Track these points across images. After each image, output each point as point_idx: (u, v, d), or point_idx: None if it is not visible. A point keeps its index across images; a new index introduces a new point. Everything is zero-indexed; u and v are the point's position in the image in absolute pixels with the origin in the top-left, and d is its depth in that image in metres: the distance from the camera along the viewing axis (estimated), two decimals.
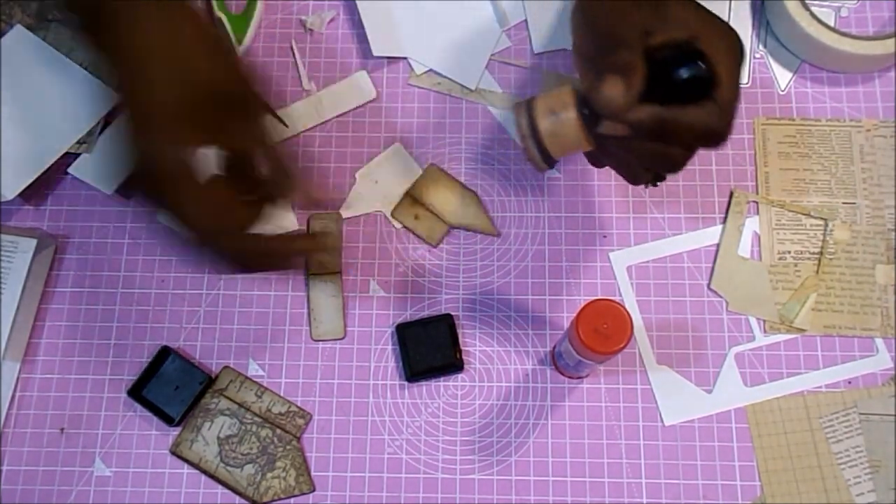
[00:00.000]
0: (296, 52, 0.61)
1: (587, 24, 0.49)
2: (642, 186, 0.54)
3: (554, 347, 0.62)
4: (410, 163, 0.67)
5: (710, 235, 0.64)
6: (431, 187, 0.66)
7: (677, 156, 0.49)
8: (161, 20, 0.48)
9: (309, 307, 0.64)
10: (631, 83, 0.45)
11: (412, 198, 0.66)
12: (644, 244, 0.65)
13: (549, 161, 0.50)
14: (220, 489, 0.60)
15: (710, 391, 0.61)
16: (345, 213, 0.66)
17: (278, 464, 0.60)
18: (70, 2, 0.50)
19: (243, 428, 0.61)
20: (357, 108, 0.68)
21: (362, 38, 0.69)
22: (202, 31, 0.49)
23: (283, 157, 0.50)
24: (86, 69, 0.67)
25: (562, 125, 0.48)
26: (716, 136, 0.48)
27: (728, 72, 0.48)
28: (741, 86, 0.67)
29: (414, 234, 0.65)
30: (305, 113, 0.68)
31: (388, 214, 0.66)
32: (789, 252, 0.64)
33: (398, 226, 0.65)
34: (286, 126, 0.64)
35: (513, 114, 0.49)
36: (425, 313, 0.64)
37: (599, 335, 0.51)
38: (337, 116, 0.68)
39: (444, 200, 0.65)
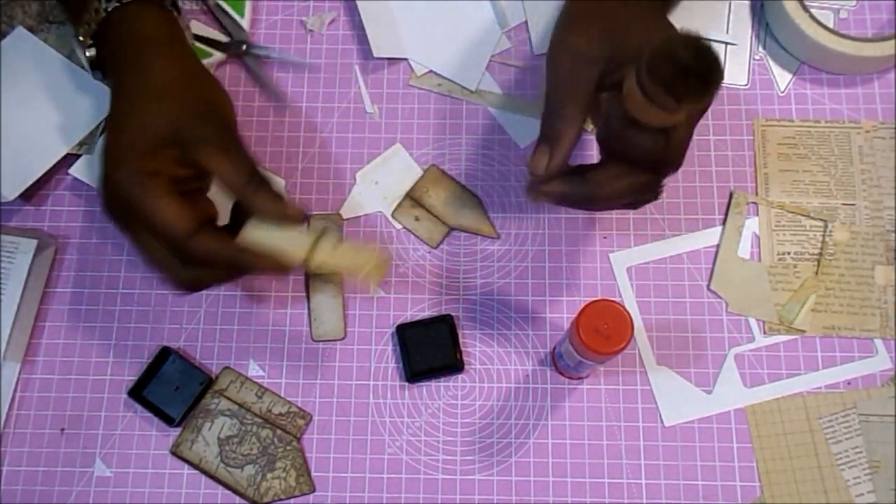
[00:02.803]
0: (359, 75, 0.60)
1: (550, 64, 0.53)
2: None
3: (554, 348, 0.62)
4: (411, 163, 0.67)
5: (709, 236, 0.65)
6: (432, 189, 0.66)
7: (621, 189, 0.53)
8: (140, 66, 0.55)
9: (309, 308, 0.64)
10: (555, 155, 0.51)
11: (412, 199, 0.66)
12: (644, 245, 0.65)
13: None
14: (220, 490, 0.60)
15: (709, 392, 0.61)
16: (345, 214, 0.66)
17: (278, 464, 0.61)
18: (98, 44, 0.57)
19: (243, 428, 0.61)
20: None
21: (363, 40, 0.69)
22: (189, 74, 0.57)
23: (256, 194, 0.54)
24: (86, 71, 0.67)
25: None
26: (659, 165, 0.52)
27: (688, 117, 0.51)
28: (741, 87, 0.68)
29: (414, 235, 0.65)
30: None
31: (389, 215, 0.66)
32: (789, 253, 0.64)
33: (398, 227, 0.66)
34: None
35: None
36: (426, 314, 0.64)
37: (600, 335, 0.51)
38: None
39: (445, 202, 0.65)
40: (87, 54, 0.57)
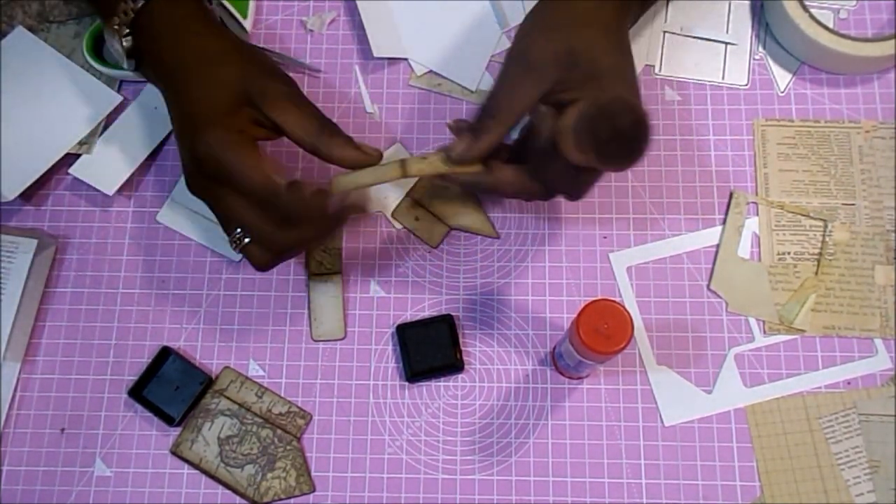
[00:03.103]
0: (359, 75, 0.61)
1: (505, 65, 0.55)
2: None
3: (554, 348, 0.62)
4: None
5: (709, 236, 0.65)
6: (431, 189, 0.66)
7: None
8: (191, 42, 0.56)
9: (309, 307, 0.64)
10: (473, 148, 0.53)
11: (412, 199, 0.66)
12: (644, 245, 0.65)
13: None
14: (220, 489, 0.60)
15: (709, 392, 0.61)
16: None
17: (278, 464, 0.61)
18: (133, 50, 0.58)
19: (244, 428, 0.61)
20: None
21: (362, 39, 0.69)
22: (240, 41, 0.59)
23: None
24: (86, 70, 0.67)
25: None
26: (561, 190, 0.56)
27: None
28: (741, 87, 0.68)
29: (414, 235, 0.65)
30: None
31: (389, 215, 0.66)
32: (789, 253, 0.64)
33: (398, 227, 0.66)
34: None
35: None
36: (426, 314, 0.64)
37: (600, 335, 0.51)
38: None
39: (445, 202, 0.65)
40: (125, 43, 0.57)
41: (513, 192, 0.56)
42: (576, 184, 0.55)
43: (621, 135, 0.48)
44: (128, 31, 0.56)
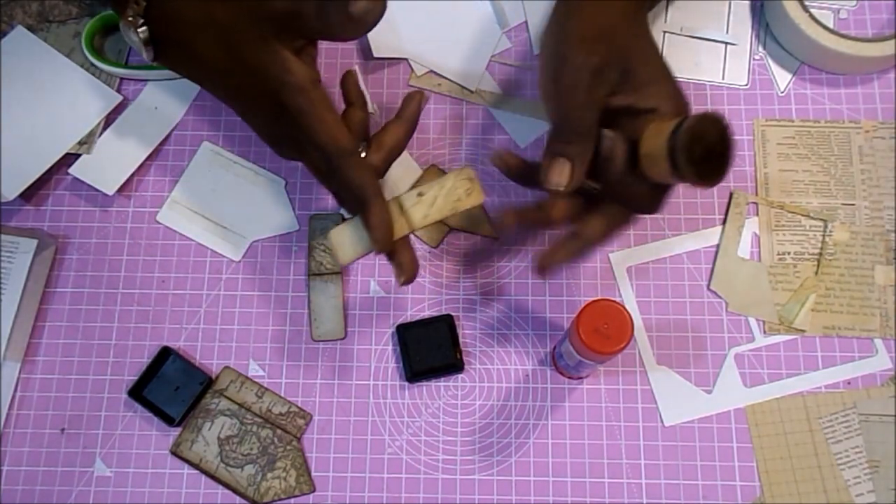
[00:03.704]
0: (359, 75, 0.61)
1: (552, 84, 0.52)
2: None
3: (554, 348, 0.62)
4: (411, 163, 0.67)
5: (709, 236, 0.65)
6: None
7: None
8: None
9: (309, 307, 0.64)
10: (575, 173, 0.51)
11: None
12: (644, 245, 0.65)
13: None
14: (220, 489, 0.60)
15: (709, 392, 0.61)
16: (345, 214, 0.66)
17: (279, 464, 0.61)
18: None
19: (244, 428, 0.61)
20: None
21: (362, 39, 0.69)
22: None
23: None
24: (86, 70, 0.67)
25: None
26: (646, 210, 0.54)
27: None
28: (741, 87, 0.68)
29: (414, 234, 0.65)
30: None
31: None
32: (789, 253, 0.64)
33: None
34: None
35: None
36: (426, 314, 0.64)
37: (600, 335, 0.51)
38: None
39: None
40: (141, 35, 0.56)
41: (608, 239, 0.56)
42: (655, 200, 0.54)
43: (712, 151, 0.48)
44: (142, 21, 0.56)
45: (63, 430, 0.62)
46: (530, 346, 0.63)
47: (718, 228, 0.65)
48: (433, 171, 0.66)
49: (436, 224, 0.65)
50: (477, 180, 0.53)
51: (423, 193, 0.53)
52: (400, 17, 0.70)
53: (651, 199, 0.53)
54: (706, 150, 0.48)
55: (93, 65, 0.67)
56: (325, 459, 0.61)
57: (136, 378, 0.62)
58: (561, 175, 0.51)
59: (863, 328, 0.62)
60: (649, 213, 0.55)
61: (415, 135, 0.67)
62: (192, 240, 0.66)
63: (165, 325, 0.64)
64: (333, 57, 0.70)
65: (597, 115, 0.51)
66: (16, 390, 0.63)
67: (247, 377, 0.63)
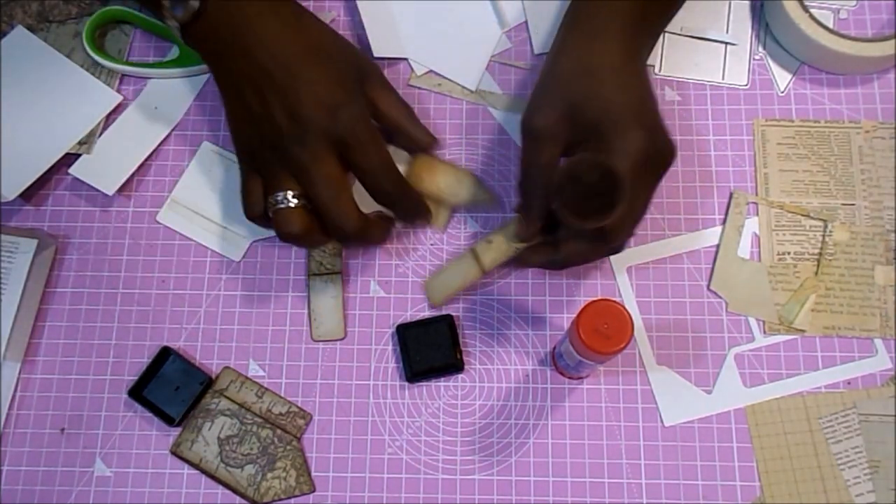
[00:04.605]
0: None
1: (522, 139, 0.57)
2: None
3: (554, 348, 0.62)
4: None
5: (709, 236, 0.65)
6: (425, 175, 0.64)
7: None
8: (306, 25, 0.59)
9: (309, 307, 0.64)
10: (529, 224, 0.57)
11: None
12: (644, 245, 0.65)
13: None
14: (220, 489, 0.60)
15: (709, 392, 0.61)
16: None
17: (279, 464, 0.61)
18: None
19: (244, 428, 0.61)
20: None
21: (362, 39, 0.69)
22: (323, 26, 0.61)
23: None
24: (86, 68, 0.67)
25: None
26: (607, 241, 0.55)
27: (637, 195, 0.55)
28: (741, 87, 0.68)
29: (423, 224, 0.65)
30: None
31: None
32: (789, 253, 0.64)
33: (399, 226, 0.65)
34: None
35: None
36: (426, 314, 0.64)
37: (600, 335, 0.51)
38: None
39: (441, 182, 0.64)
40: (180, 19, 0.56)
41: (583, 260, 0.58)
42: (597, 243, 0.55)
43: (592, 192, 0.50)
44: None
45: (63, 430, 0.62)
46: (530, 346, 0.63)
47: (718, 228, 0.65)
48: (423, 159, 0.65)
49: (437, 205, 0.64)
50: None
51: (491, 241, 0.60)
52: (400, 17, 0.70)
53: (593, 241, 0.55)
54: (585, 191, 0.50)
55: (94, 62, 0.67)
56: (325, 459, 0.61)
57: (136, 378, 0.62)
58: (520, 231, 0.58)
59: (863, 328, 0.62)
60: (612, 244, 0.56)
61: None
62: (192, 240, 0.66)
63: (165, 325, 0.64)
64: None
65: (546, 175, 0.55)
66: (16, 390, 0.63)
67: (247, 377, 0.63)
